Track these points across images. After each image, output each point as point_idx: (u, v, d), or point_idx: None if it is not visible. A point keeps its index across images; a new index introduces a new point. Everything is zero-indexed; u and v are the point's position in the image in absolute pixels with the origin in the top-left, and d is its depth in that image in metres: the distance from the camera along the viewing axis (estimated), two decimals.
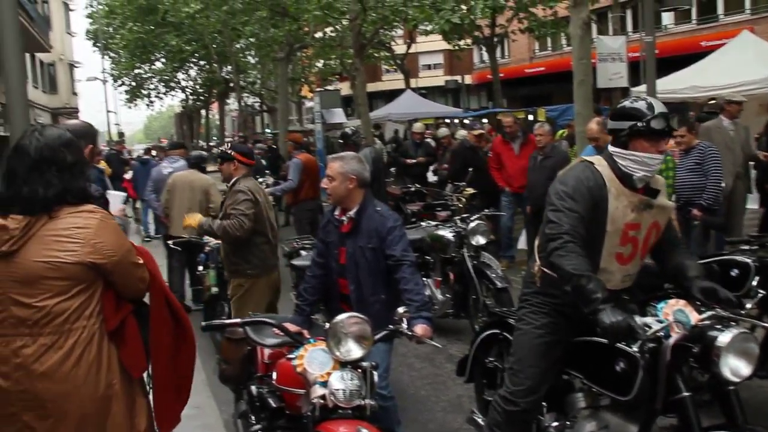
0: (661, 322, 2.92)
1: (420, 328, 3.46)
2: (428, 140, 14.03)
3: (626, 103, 3.27)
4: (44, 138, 2.62)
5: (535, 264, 3.40)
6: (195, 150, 15.15)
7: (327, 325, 3.19)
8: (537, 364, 3.33)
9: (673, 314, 2.95)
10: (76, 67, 47.01)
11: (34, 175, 2.54)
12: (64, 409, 2.50)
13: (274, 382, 3.50)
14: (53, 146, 2.61)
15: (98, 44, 39.85)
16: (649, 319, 2.95)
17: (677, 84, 13.55)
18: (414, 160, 12.31)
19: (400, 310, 3.40)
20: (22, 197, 2.52)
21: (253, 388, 3.92)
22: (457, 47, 21.86)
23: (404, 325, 3.37)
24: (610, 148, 3.26)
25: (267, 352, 3.93)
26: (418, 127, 13.44)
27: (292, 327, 3.82)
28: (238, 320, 3.57)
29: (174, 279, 7.95)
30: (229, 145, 16.99)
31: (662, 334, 2.89)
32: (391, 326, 3.39)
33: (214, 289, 6.54)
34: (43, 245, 2.47)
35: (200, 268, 6.89)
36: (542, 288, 3.37)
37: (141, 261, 2.69)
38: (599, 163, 3.26)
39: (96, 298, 2.57)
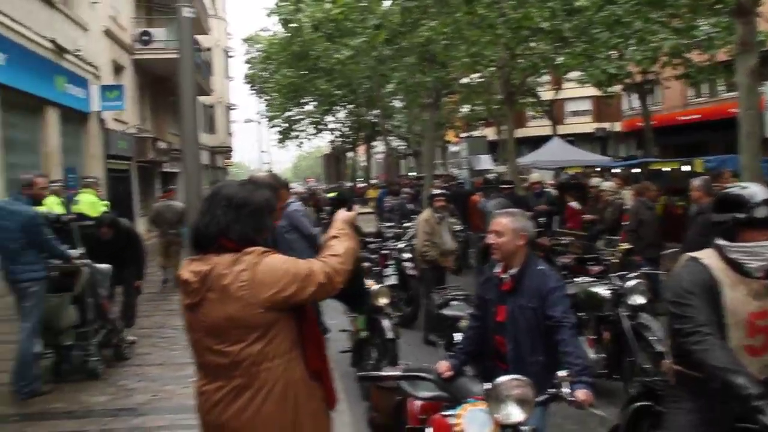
0: None
1: (582, 394, 3.32)
2: (548, 190, 13.58)
3: (727, 193, 3.11)
4: (228, 182, 2.88)
5: (666, 362, 3.26)
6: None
7: (487, 384, 3.15)
8: None
9: None
10: (233, 109, 50.17)
11: (207, 207, 2.74)
12: None
13: None
14: (231, 185, 2.80)
15: (254, 88, 42.24)
16: None
17: None
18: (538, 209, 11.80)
19: (561, 373, 3.30)
20: (196, 228, 2.74)
21: None
22: (605, 93, 21.39)
23: (565, 390, 3.27)
24: (718, 241, 3.09)
25: (418, 403, 3.93)
26: (535, 177, 13.06)
27: (443, 366, 3.81)
28: (396, 373, 3.58)
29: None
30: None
31: None
32: (551, 390, 3.30)
33: (364, 334, 6.64)
34: (219, 298, 2.60)
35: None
36: (679, 387, 3.22)
37: (305, 282, 2.61)
38: (706, 256, 3.09)
39: (277, 341, 2.65)
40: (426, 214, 9.10)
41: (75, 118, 17.85)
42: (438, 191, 9.71)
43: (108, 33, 21.06)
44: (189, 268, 2.70)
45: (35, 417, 5.94)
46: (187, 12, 3.97)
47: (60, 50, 16.03)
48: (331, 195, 26.64)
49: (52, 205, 9.62)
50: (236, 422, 2.62)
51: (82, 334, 7.08)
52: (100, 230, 8.01)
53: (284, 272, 2.60)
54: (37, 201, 6.85)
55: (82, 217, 8.76)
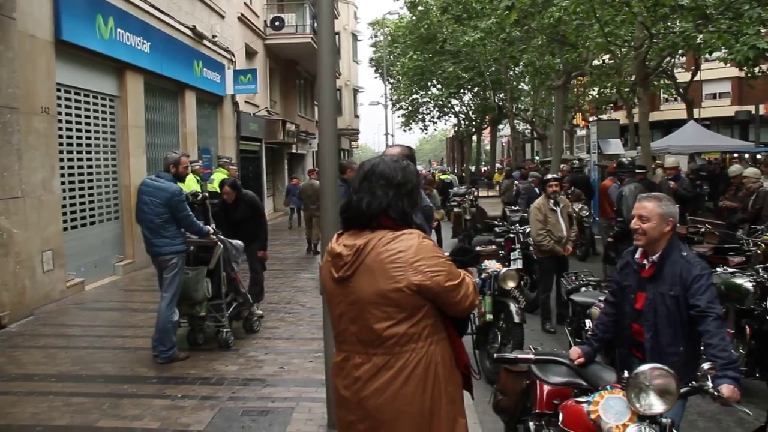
0: None
1: (727, 389, 3.10)
2: (684, 176, 12.83)
3: None
4: (382, 159, 2.79)
5: None
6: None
7: (626, 373, 3.02)
8: None
9: None
10: (359, 92, 50.93)
11: (363, 185, 2.69)
12: (392, 424, 2.62)
13: (560, 423, 3.37)
14: (387, 163, 2.74)
15: (380, 71, 42.69)
16: None
17: None
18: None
19: (705, 366, 3.11)
20: (351, 206, 2.69)
21: (531, 424, 3.85)
22: (750, 74, 19.88)
23: (709, 384, 3.08)
24: None
25: (547, 388, 3.83)
26: (671, 162, 12.37)
27: (575, 353, 3.69)
28: (531, 356, 3.50)
29: None
30: None
31: None
32: (693, 382, 3.12)
33: (489, 316, 6.56)
34: (371, 274, 2.58)
35: None
36: None
37: (456, 281, 2.65)
38: None
39: (423, 323, 2.61)
40: (539, 201, 8.84)
41: (211, 101, 18.66)
42: (551, 176, 9.44)
43: (242, 19, 21.82)
44: (342, 242, 2.70)
45: (172, 380, 6.29)
46: None
47: (198, 37, 16.77)
48: (444, 177, 26.74)
49: (191, 183, 10.10)
50: (375, 401, 2.61)
51: (215, 306, 7.41)
52: (222, 192, 8.29)
53: (443, 267, 2.60)
54: (181, 178, 7.19)
55: (213, 195, 9.13)
